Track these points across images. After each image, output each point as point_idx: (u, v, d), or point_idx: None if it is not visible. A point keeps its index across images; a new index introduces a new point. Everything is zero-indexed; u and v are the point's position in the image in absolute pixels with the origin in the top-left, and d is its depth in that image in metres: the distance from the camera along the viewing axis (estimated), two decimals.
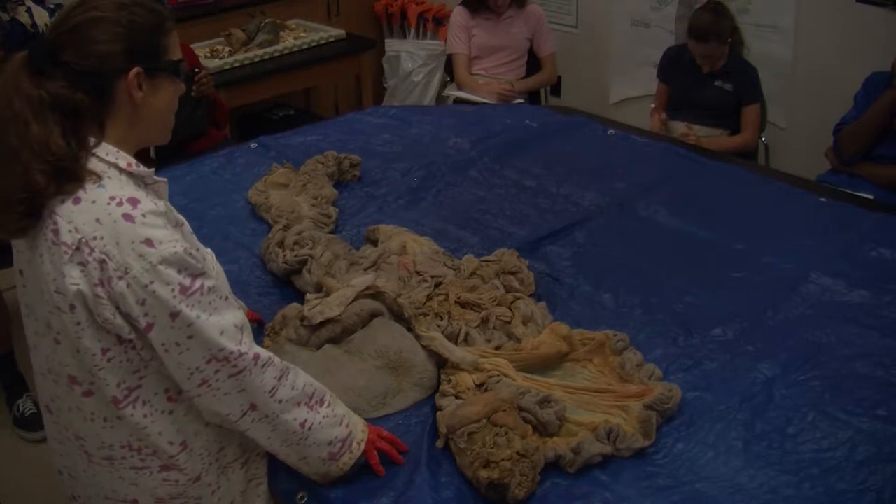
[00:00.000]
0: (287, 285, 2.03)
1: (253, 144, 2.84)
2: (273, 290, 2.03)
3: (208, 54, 3.83)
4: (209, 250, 1.43)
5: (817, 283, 2.01)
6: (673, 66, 3.36)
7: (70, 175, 1.21)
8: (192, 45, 3.66)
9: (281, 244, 2.08)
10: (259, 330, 1.82)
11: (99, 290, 1.19)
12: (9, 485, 2.53)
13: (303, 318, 1.75)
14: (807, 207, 2.38)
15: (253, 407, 1.32)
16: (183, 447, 1.34)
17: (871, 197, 2.58)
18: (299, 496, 1.47)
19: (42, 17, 3.14)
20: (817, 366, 1.74)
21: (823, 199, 2.42)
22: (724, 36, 3.13)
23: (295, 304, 1.84)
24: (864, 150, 2.85)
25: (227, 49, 3.89)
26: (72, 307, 1.21)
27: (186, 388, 1.28)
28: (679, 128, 3.23)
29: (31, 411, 2.71)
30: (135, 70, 1.23)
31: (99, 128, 1.25)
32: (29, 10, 3.10)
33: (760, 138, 3.34)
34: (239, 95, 3.76)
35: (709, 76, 3.22)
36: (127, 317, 1.22)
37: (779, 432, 1.57)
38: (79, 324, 1.22)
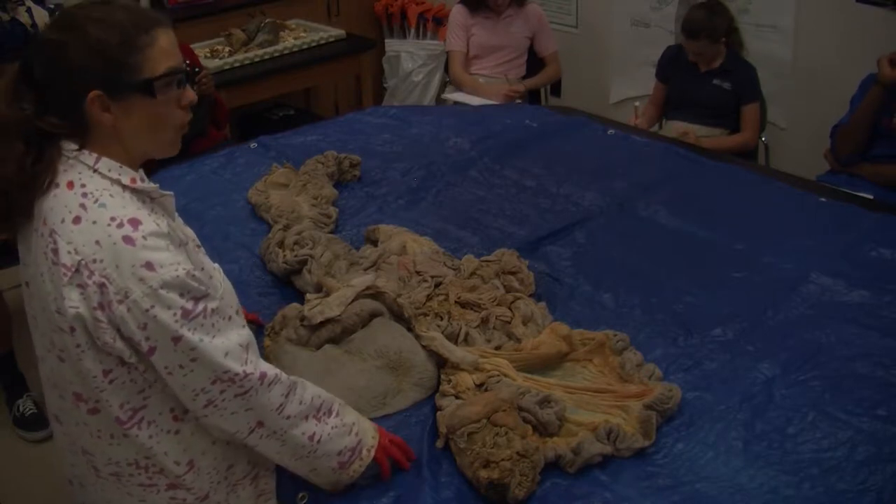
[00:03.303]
0: (287, 285, 2.03)
1: (253, 144, 2.84)
2: (273, 290, 2.03)
3: (208, 54, 3.83)
4: (217, 266, 1.39)
5: (817, 283, 2.01)
6: (672, 66, 3.36)
7: (15, 207, 1.20)
8: (192, 45, 3.66)
9: (281, 244, 2.09)
10: (258, 330, 1.81)
11: (98, 313, 1.17)
12: (9, 485, 2.53)
13: (303, 318, 1.75)
14: (807, 207, 2.38)
15: (260, 424, 1.30)
16: (190, 467, 1.32)
17: (871, 197, 2.58)
18: (300, 496, 1.46)
19: (42, 17, 3.14)
20: (817, 366, 1.74)
21: (823, 199, 2.42)
22: (718, 34, 3.13)
23: (295, 304, 1.84)
24: (860, 150, 2.85)
25: (227, 49, 3.89)
26: (72, 329, 1.19)
27: (192, 408, 1.26)
28: (678, 127, 3.24)
29: (31, 411, 2.71)
30: (92, 94, 1.18)
31: (81, 146, 1.22)
32: (29, 10, 3.10)
33: (760, 138, 3.34)
34: (239, 95, 3.76)
35: (707, 75, 3.22)
36: (128, 340, 1.19)
37: (779, 432, 1.57)
38: (79, 346, 1.20)
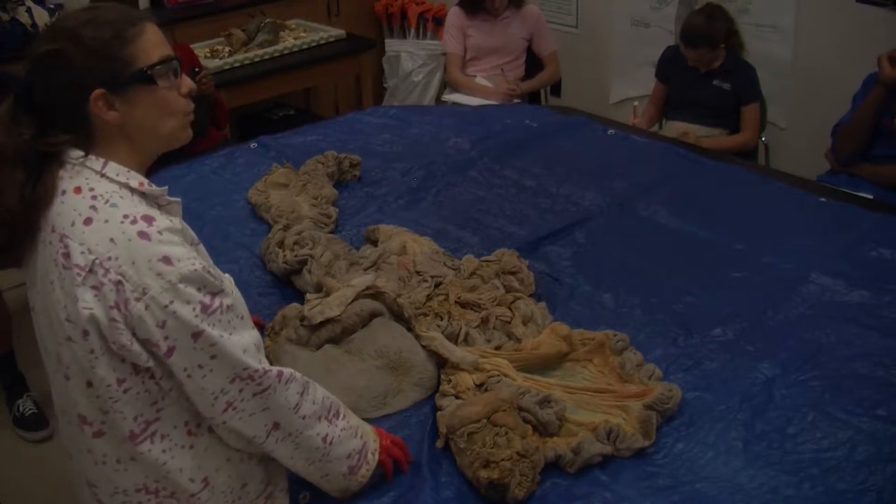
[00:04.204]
0: (287, 285, 2.03)
1: (253, 144, 2.84)
2: (273, 290, 2.03)
3: (208, 54, 3.83)
4: (227, 276, 1.37)
5: (817, 283, 2.01)
6: (671, 66, 3.36)
7: (17, 236, 1.21)
8: (192, 45, 3.66)
9: (281, 244, 2.09)
10: (259, 332, 1.81)
11: (115, 313, 1.14)
12: (9, 485, 2.53)
13: (303, 318, 1.75)
14: (807, 207, 2.38)
15: (276, 426, 1.28)
16: (205, 484, 1.29)
17: (871, 197, 2.58)
18: (302, 496, 1.46)
19: (42, 17, 3.15)
20: (817, 366, 1.74)
21: (823, 199, 2.42)
22: (717, 41, 3.13)
23: (295, 304, 1.84)
24: (860, 150, 2.85)
25: (227, 49, 3.89)
26: (84, 333, 1.16)
27: (211, 414, 1.23)
28: (678, 127, 3.24)
29: (31, 411, 2.71)
30: (95, 93, 1.18)
31: (85, 156, 1.21)
32: (29, 10, 3.11)
33: (760, 138, 3.34)
34: (239, 95, 3.76)
35: (707, 75, 3.22)
36: (146, 343, 1.17)
37: (779, 432, 1.57)
38: (92, 352, 1.17)
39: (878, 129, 2.80)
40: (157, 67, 1.22)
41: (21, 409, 2.72)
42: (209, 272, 1.19)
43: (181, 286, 1.15)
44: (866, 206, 2.40)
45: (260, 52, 3.85)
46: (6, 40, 3.22)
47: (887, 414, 1.61)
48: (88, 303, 1.15)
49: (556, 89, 4.31)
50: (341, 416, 1.39)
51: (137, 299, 1.14)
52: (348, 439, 1.38)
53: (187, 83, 1.28)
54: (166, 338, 1.16)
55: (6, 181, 1.19)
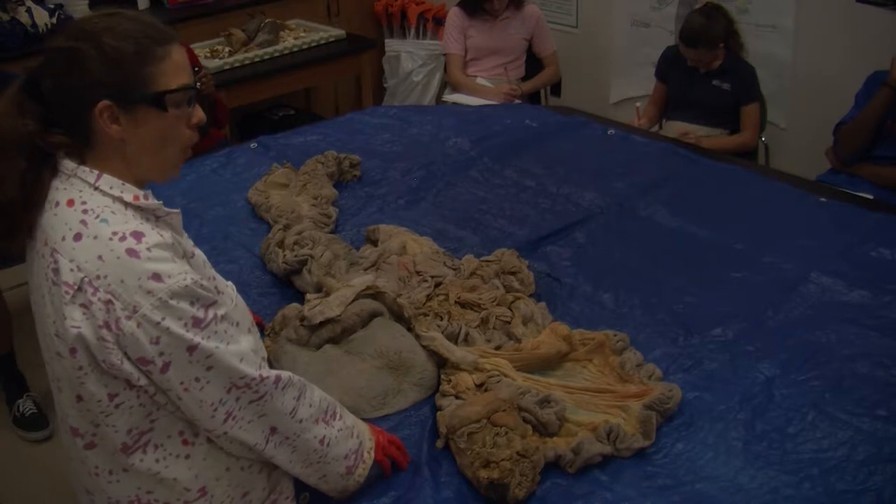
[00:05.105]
0: (287, 285, 2.03)
1: (253, 144, 2.84)
2: (273, 290, 2.03)
3: (208, 54, 3.83)
4: (230, 283, 1.36)
5: (817, 283, 2.01)
6: (671, 66, 3.36)
7: (17, 227, 1.19)
8: (192, 45, 3.66)
9: (281, 244, 2.09)
10: (259, 331, 1.81)
11: (104, 332, 1.13)
12: (9, 485, 2.53)
13: (303, 318, 1.75)
14: (807, 207, 2.38)
15: (273, 430, 1.28)
16: (201, 493, 1.28)
17: (871, 197, 2.58)
18: (302, 496, 1.46)
19: (42, 18, 3.15)
20: (817, 366, 1.74)
21: (823, 199, 2.42)
22: (716, 41, 3.12)
23: (295, 304, 1.84)
24: (862, 149, 2.85)
25: (227, 49, 3.89)
26: (72, 351, 1.15)
27: (212, 426, 1.22)
28: (677, 127, 3.24)
29: (31, 411, 2.71)
30: (102, 104, 1.15)
31: (81, 162, 1.19)
32: (29, 10, 3.11)
33: (760, 138, 3.34)
34: (239, 95, 3.76)
35: (706, 76, 3.22)
36: (140, 361, 1.15)
37: (779, 432, 1.57)
38: (81, 368, 1.16)
39: (881, 130, 2.80)
40: (174, 94, 1.19)
41: (21, 409, 2.72)
42: (201, 285, 1.18)
43: (172, 302, 1.14)
44: (866, 206, 2.40)
45: (260, 52, 3.85)
46: (6, 40, 3.23)
47: (887, 414, 1.61)
48: (76, 321, 1.14)
49: (556, 89, 4.31)
50: (338, 416, 1.38)
51: (129, 317, 1.13)
52: (345, 440, 1.38)
53: (198, 114, 1.25)
54: (161, 354, 1.15)
55: (8, 168, 1.17)
